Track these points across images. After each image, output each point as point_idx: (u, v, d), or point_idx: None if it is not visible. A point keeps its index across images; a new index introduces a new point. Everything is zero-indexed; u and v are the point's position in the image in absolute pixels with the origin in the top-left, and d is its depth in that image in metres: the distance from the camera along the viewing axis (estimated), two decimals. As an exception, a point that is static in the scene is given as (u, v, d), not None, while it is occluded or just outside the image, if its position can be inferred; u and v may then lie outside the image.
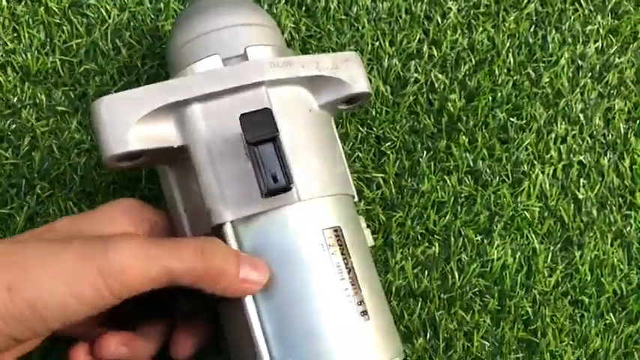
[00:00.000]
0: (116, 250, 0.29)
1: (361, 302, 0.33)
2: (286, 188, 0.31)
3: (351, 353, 0.32)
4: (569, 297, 0.44)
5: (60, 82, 0.44)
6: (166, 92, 0.33)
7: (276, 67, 0.34)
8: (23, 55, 0.44)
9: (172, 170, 0.36)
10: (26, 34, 0.44)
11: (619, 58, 0.49)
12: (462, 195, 0.45)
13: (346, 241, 0.34)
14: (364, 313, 0.33)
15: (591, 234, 0.46)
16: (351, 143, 0.45)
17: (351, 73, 0.37)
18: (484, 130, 0.46)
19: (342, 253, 0.33)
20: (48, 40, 0.44)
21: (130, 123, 0.32)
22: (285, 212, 0.33)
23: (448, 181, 0.45)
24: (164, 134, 0.34)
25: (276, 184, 0.31)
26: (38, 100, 0.43)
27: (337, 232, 0.33)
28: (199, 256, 0.30)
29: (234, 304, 0.32)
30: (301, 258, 0.32)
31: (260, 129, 0.31)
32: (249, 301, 0.32)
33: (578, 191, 0.46)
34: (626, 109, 0.49)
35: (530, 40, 0.49)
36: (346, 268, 0.33)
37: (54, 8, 0.45)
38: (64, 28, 0.44)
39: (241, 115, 0.31)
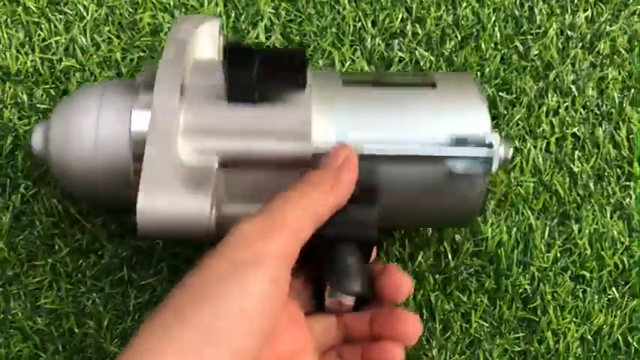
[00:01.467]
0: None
1: None
2: None
3: None
4: (569, 272, 0.43)
5: (41, 81, 0.44)
6: None
7: None
8: (2, 55, 0.44)
9: None
10: (5, 34, 0.44)
11: (610, 26, 0.48)
12: (453, 173, 0.44)
13: None
14: None
15: (589, 207, 0.44)
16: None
17: None
18: (473, 107, 0.45)
19: None
20: (27, 39, 0.44)
21: None
22: None
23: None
24: None
25: None
26: (20, 99, 0.43)
27: None
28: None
29: None
30: None
31: None
32: None
33: (573, 164, 0.45)
34: (620, 78, 0.47)
35: (517, 13, 0.48)
36: None
37: (32, 7, 0.45)
38: (43, 26, 0.44)
39: None
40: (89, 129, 0.34)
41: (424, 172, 0.34)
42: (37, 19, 0.44)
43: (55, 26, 0.44)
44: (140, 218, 0.30)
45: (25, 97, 0.43)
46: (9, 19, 0.44)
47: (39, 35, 0.44)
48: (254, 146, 0.33)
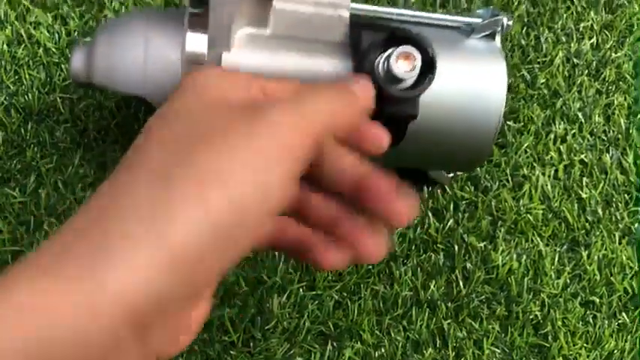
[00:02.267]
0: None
1: None
2: None
3: None
4: (579, 298, 0.44)
5: (61, 120, 0.45)
6: None
7: None
8: (25, 96, 0.45)
9: None
10: (27, 76, 0.46)
11: (615, 53, 0.49)
12: (463, 201, 0.45)
13: None
14: None
15: (597, 233, 0.45)
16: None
17: None
18: (481, 136, 0.46)
19: None
20: (48, 79, 0.46)
21: None
22: None
23: (447, 188, 0.45)
24: None
25: None
26: (42, 138, 0.45)
27: None
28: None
29: None
30: None
31: None
32: None
33: (582, 190, 0.46)
34: (626, 104, 0.48)
35: (523, 42, 0.49)
36: None
37: (52, 49, 0.46)
38: (63, 67, 0.46)
39: None
40: (138, 54, 0.35)
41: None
42: (57, 60, 0.46)
43: (75, 66, 0.46)
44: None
45: (47, 135, 0.45)
46: (31, 61, 0.46)
47: (59, 75, 0.46)
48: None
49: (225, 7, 0.34)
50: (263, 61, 0.36)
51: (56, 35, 0.46)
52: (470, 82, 0.37)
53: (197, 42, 0.35)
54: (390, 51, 0.32)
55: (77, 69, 0.36)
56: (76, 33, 0.46)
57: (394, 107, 0.33)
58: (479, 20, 0.38)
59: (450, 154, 0.39)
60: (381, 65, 0.33)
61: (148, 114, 0.38)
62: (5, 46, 0.46)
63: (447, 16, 0.39)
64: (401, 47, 0.32)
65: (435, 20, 0.39)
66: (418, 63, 0.32)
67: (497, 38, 0.39)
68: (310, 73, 0.36)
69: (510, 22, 0.38)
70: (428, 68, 0.32)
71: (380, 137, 0.28)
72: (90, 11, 0.47)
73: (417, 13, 0.38)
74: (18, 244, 0.43)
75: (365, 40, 0.34)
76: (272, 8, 0.35)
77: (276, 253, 0.43)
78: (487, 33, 0.38)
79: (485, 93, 0.37)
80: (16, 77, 0.46)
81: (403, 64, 0.32)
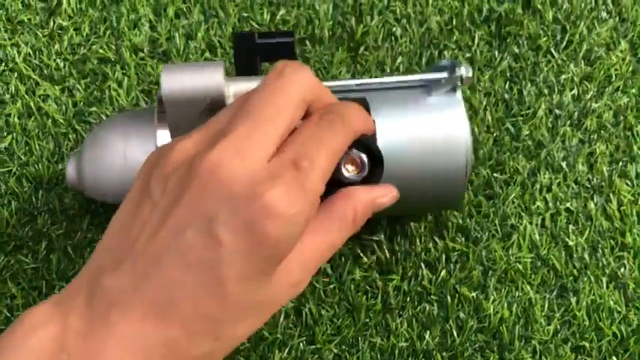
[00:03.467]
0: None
1: None
2: None
3: None
4: (570, 344, 0.45)
5: (69, 187, 0.48)
6: None
7: None
8: (36, 166, 0.48)
9: None
10: (37, 146, 0.48)
11: (596, 102, 0.51)
12: (454, 253, 0.47)
13: None
14: None
15: (585, 279, 0.47)
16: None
17: None
18: (469, 189, 0.48)
19: None
20: (57, 148, 0.49)
21: None
22: None
23: (439, 241, 0.47)
24: None
25: None
26: (52, 205, 0.47)
27: None
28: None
29: None
30: None
31: None
32: None
33: (568, 238, 0.48)
34: (608, 152, 0.50)
35: (507, 96, 0.51)
36: None
37: (60, 120, 0.49)
38: (70, 136, 0.49)
39: None
40: (118, 153, 0.40)
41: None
42: (64, 130, 0.49)
43: (82, 135, 0.49)
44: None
45: (56, 202, 0.47)
46: (40, 132, 0.49)
47: (67, 145, 0.49)
48: None
49: (180, 119, 0.37)
50: None
51: (64, 107, 0.49)
52: (433, 134, 0.41)
53: (167, 136, 0.39)
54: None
55: (71, 178, 0.41)
56: (82, 104, 0.49)
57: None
58: (440, 75, 0.41)
59: (426, 201, 0.43)
60: None
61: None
62: (16, 118, 0.49)
63: (408, 77, 0.42)
64: (347, 153, 0.35)
65: (397, 83, 0.42)
66: (365, 163, 0.35)
67: (458, 92, 0.42)
68: None
69: (470, 74, 0.41)
70: (377, 163, 0.36)
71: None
72: (94, 82, 0.50)
73: (377, 80, 0.41)
74: (31, 308, 0.45)
75: None
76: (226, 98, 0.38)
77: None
78: (449, 88, 0.41)
79: (451, 141, 0.41)
80: (27, 148, 0.49)
81: (351, 167, 0.35)
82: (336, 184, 0.35)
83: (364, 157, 0.35)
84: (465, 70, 0.41)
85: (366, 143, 0.35)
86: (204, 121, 0.34)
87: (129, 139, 0.40)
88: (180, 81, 0.37)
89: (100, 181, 0.40)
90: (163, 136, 0.39)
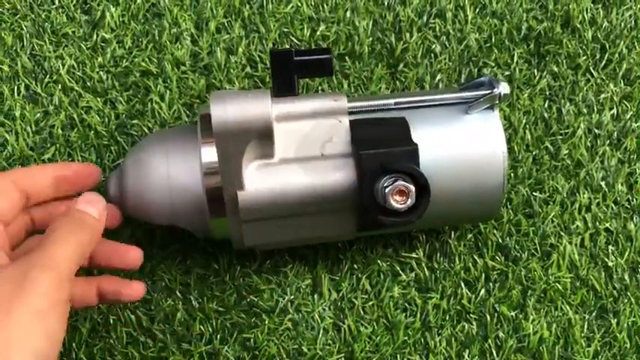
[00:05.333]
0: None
1: None
2: None
3: None
4: (610, 365, 0.45)
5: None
6: None
7: None
8: (78, 177, 0.48)
9: None
10: (80, 158, 0.49)
11: (635, 122, 0.51)
12: (494, 272, 0.47)
13: None
14: None
15: (625, 300, 0.46)
16: (381, 230, 0.48)
17: None
18: (509, 207, 0.48)
19: None
20: (98, 160, 0.49)
21: None
22: None
23: (478, 259, 0.47)
24: None
25: None
26: (93, 217, 0.48)
27: None
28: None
29: None
30: None
31: None
32: None
33: (608, 258, 0.47)
34: (648, 173, 0.50)
35: (546, 115, 0.51)
36: None
37: (102, 131, 0.49)
38: (112, 148, 0.49)
39: None
40: (161, 170, 0.40)
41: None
42: (106, 142, 0.49)
43: (123, 147, 0.49)
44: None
45: (98, 214, 0.48)
46: (83, 144, 0.49)
47: (109, 156, 0.49)
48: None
49: (229, 146, 0.38)
50: (276, 189, 0.39)
51: (106, 119, 0.50)
52: (470, 153, 0.41)
53: (212, 153, 0.39)
54: (385, 182, 0.36)
55: (114, 197, 0.42)
56: (124, 116, 0.50)
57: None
58: (478, 93, 0.41)
59: (463, 216, 0.44)
60: (379, 192, 0.36)
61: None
62: (60, 130, 0.49)
63: (446, 95, 0.42)
64: (395, 184, 0.36)
65: (435, 100, 0.41)
66: (412, 193, 0.36)
67: (496, 109, 0.41)
68: (320, 189, 0.39)
69: (507, 91, 0.41)
70: (423, 192, 0.36)
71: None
72: (137, 95, 0.50)
73: (415, 97, 0.41)
74: None
75: (364, 163, 0.37)
76: (274, 133, 0.39)
77: (315, 324, 0.45)
78: (487, 105, 0.41)
79: (488, 158, 0.41)
80: (69, 159, 0.49)
81: (399, 197, 0.36)
82: (385, 213, 0.35)
83: (411, 186, 0.36)
84: (503, 88, 0.41)
85: (412, 173, 0.36)
86: (253, 146, 0.36)
87: (172, 158, 0.40)
88: (231, 111, 0.37)
89: (144, 202, 0.40)
90: (208, 154, 0.39)
